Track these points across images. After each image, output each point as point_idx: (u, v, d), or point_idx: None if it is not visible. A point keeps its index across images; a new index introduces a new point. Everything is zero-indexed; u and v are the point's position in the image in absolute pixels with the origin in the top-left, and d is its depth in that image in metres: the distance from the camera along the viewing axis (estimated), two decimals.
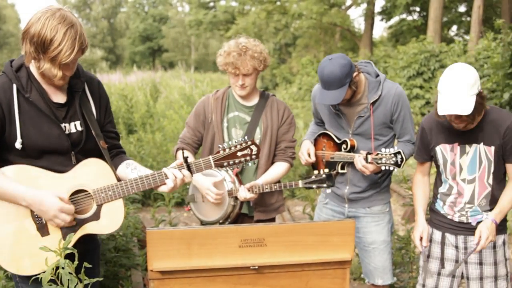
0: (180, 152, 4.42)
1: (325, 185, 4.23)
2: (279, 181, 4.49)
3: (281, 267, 3.32)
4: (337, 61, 4.00)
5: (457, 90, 3.53)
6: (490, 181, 3.90)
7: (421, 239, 4.01)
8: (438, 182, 4.14)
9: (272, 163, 4.50)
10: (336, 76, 3.97)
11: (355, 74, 4.08)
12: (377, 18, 36.20)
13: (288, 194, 10.67)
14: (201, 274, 3.26)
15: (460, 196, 3.98)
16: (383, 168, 4.04)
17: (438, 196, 4.12)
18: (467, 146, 3.87)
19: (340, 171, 4.39)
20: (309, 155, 4.50)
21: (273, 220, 4.56)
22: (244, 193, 4.23)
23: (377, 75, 4.30)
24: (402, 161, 3.96)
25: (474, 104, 3.55)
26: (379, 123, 4.25)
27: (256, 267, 3.27)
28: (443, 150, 3.97)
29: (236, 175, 4.34)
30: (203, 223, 4.53)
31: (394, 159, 3.98)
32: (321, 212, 4.68)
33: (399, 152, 3.97)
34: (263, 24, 36.40)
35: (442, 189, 4.08)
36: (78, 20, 3.13)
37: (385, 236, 4.50)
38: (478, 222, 3.87)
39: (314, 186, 4.24)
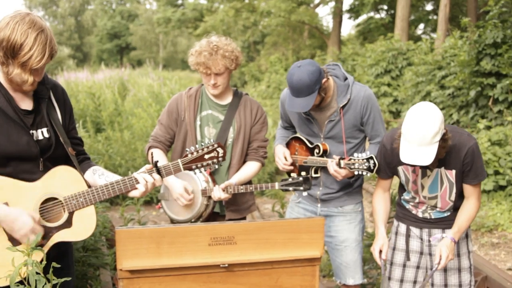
0: (150, 155, 4.40)
1: (301, 188, 4.23)
2: (250, 182, 4.49)
3: (251, 265, 3.32)
4: (306, 68, 3.98)
5: (420, 140, 3.51)
6: (452, 198, 3.95)
7: (380, 252, 4.00)
8: (401, 187, 4.19)
9: (244, 162, 4.49)
10: (305, 83, 3.95)
11: (324, 80, 4.07)
12: (345, 16, 36.39)
13: (257, 192, 10.68)
14: (170, 272, 3.25)
15: (423, 204, 4.04)
16: (356, 173, 4.05)
17: (402, 197, 4.17)
18: (428, 170, 3.90)
19: (313, 175, 4.39)
20: (285, 158, 4.49)
21: (244, 219, 4.56)
22: (218, 193, 4.21)
23: (346, 78, 4.29)
24: (374, 166, 3.96)
25: (437, 150, 3.55)
26: (349, 126, 4.26)
27: (226, 265, 3.27)
28: (405, 171, 4.00)
29: (210, 174, 4.33)
30: (174, 221, 4.50)
31: (366, 164, 3.98)
32: (293, 211, 4.69)
33: (371, 157, 3.97)
34: (232, 22, 36.37)
35: (406, 195, 4.13)
36: (47, 25, 3.10)
37: (357, 235, 4.52)
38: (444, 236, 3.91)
39: (290, 188, 4.25)
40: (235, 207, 4.47)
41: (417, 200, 4.05)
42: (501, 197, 9.24)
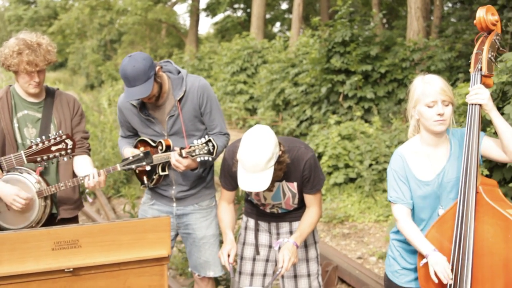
0: None
1: (144, 163, 4.17)
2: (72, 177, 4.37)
3: (97, 268, 3.27)
4: (138, 56, 4.01)
5: (253, 168, 3.55)
6: (296, 202, 4.07)
7: (229, 257, 3.97)
8: None
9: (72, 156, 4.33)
10: (140, 69, 3.95)
11: (157, 68, 4.10)
12: (203, 15, 36.56)
13: (113, 193, 10.55)
14: (13, 280, 3.14)
15: (269, 204, 4.14)
16: (198, 160, 4.07)
17: (249, 197, 4.24)
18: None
19: (161, 173, 4.36)
20: None
21: (77, 217, 4.46)
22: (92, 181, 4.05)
23: (179, 72, 4.33)
24: (214, 148, 4.00)
25: (273, 173, 3.60)
26: (190, 118, 4.29)
27: (71, 270, 3.20)
28: None
29: (40, 174, 4.18)
30: None
31: (206, 148, 4.00)
32: (147, 214, 4.61)
33: (209, 140, 4.00)
34: (87, 20, 35.64)
35: (252, 199, 4.22)
36: None
37: (214, 230, 4.55)
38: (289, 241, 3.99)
39: (133, 166, 4.16)
40: (68, 206, 4.33)
41: (262, 203, 4.15)
42: (352, 189, 9.63)
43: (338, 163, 9.79)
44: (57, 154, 3.34)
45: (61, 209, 4.29)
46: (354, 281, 6.01)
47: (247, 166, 3.56)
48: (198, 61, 24.31)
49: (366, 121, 11.79)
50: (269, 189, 3.87)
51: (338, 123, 11.43)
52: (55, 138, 3.32)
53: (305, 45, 15.18)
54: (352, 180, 9.86)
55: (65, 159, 3.48)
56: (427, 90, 3.35)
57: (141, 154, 4.14)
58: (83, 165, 4.26)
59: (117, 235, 3.27)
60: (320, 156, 10.32)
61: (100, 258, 3.26)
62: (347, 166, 9.84)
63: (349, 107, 12.24)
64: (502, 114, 5.51)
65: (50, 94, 4.30)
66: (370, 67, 12.18)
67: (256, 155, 3.51)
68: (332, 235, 8.10)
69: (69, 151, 3.36)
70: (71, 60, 44.26)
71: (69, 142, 3.36)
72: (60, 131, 3.39)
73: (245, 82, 18.58)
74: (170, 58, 26.85)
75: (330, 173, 9.92)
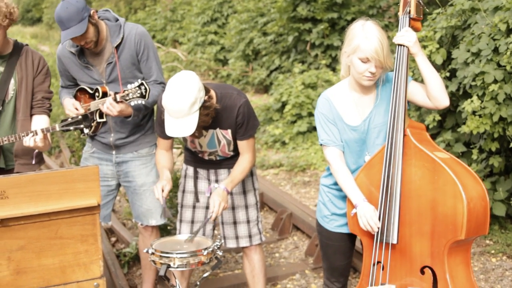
0: None
1: (82, 125, 4.16)
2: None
3: (27, 218, 3.26)
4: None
5: (177, 114, 3.57)
6: (232, 149, 4.11)
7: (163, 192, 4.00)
8: None
9: (31, 116, 4.34)
10: (73, 11, 3.98)
11: (92, 11, 4.12)
12: None
13: (78, 146, 10.51)
14: None
15: (206, 152, 4.16)
16: (132, 104, 4.07)
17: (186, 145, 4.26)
18: (203, 131, 3.98)
19: (98, 120, 4.34)
20: (76, 109, 4.40)
21: None
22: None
23: (117, 20, 4.35)
24: (146, 91, 4.00)
25: (199, 118, 3.63)
26: (128, 65, 4.30)
27: None
28: None
29: None
30: None
31: (139, 91, 4.00)
32: (88, 162, 4.64)
33: (142, 84, 4.00)
34: None
35: (189, 147, 4.22)
36: None
37: (154, 177, 4.56)
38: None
39: (71, 128, 4.16)
40: (25, 160, 4.32)
41: (200, 150, 4.16)
42: (315, 137, 9.63)
43: (302, 111, 9.81)
44: None
45: (17, 164, 4.28)
46: (307, 228, 6.09)
47: (171, 112, 3.58)
48: (171, 12, 24.00)
49: (334, 69, 11.75)
50: (195, 135, 3.86)
51: (303, 72, 11.38)
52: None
53: None
54: (315, 128, 9.83)
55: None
56: (363, 46, 3.28)
57: (80, 117, 4.15)
58: (39, 125, 4.24)
59: (45, 185, 3.25)
60: (284, 105, 10.33)
61: (29, 208, 3.24)
62: (310, 114, 9.85)
63: (316, 56, 12.19)
64: (452, 58, 5.54)
65: (17, 49, 4.26)
66: (336, 14, 12.08)
67: (179, 100, 3.52)
68: (293, 183, 8.14)
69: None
70: (46, 14, 43.50)
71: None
72: None
73: (215, 33, 18.40)
74: (144, 10, 26.55)
75: (293, 122, 9.96)
